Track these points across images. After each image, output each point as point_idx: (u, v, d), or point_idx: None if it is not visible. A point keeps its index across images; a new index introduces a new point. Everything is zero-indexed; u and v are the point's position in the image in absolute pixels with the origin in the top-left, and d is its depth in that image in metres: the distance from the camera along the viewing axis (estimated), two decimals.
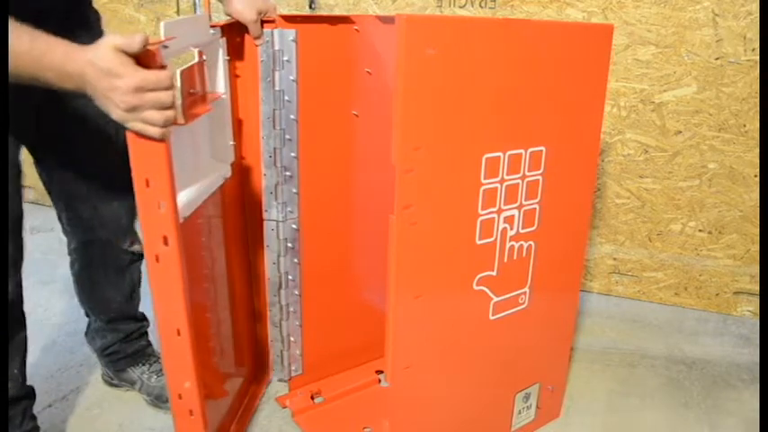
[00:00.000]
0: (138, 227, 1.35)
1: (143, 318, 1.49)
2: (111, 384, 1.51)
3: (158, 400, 1.43)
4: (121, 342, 1.45)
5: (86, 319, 1.47)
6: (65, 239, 1.36)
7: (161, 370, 1.45)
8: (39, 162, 1.23)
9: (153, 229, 0.89)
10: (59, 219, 1.33)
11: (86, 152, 1.21)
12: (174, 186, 0.87)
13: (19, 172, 1.11)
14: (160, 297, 0.94)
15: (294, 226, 1.34)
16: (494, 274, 1.11)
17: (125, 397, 1.49)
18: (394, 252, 0.96)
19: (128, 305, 1.43)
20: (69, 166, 1.23)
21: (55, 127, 1.17)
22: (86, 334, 1.48)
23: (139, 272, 1.43)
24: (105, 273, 1.37)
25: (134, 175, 0.86)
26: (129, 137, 0.83)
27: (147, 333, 1.50)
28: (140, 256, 1.39)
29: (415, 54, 0.87)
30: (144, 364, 1.47)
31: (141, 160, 0.85)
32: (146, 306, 1.51)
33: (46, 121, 1.16)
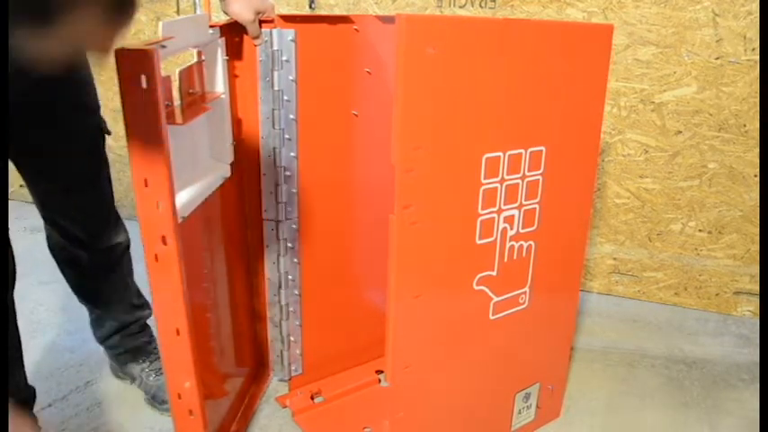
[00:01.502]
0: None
1: (142, 305, 1.48)
2: (118, 377, 1.53)
3: (154, 399, 1.43)
4: (122, 335, 1.45)
5: (86, 317, 1.47)
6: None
7: (161, 368, 1.44)
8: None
9: (151, 228, 0.89)
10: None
11: (54, 147, 1.19)
12: (173, 186, 0.87)
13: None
14: (159, 297, 0.94)
15: (294, 226, 1.34)
16: (494, 273, 1.11)
17: (125, 396, 1.49)
18: (394, 252, 0.96)
19: (120, 295, 1.43)
20: (41, 161, 1.21)
21: (27, 124, 1.13)
22: (90, 324, 1.48)
23: (129, 262, 1.42)
24: (91, 270, 1.36)
25: (133, 174, 0.86)
26: (129, 138, 0.83)
27: (149, 327, 1.50)
28: (126, 248, 1.39)
29: (415, 54, 0.87)
30: (144, 361, 1.47)
31: (140, 160, 0.85)
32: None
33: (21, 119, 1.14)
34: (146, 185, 0.86)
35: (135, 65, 0.79)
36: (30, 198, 1.27)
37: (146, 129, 0.82)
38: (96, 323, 1.46)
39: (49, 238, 1.34)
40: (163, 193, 0.86)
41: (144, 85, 0.79)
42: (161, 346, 0.97)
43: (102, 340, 1.47)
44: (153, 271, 0.91)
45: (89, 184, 1.27)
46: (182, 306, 0.93)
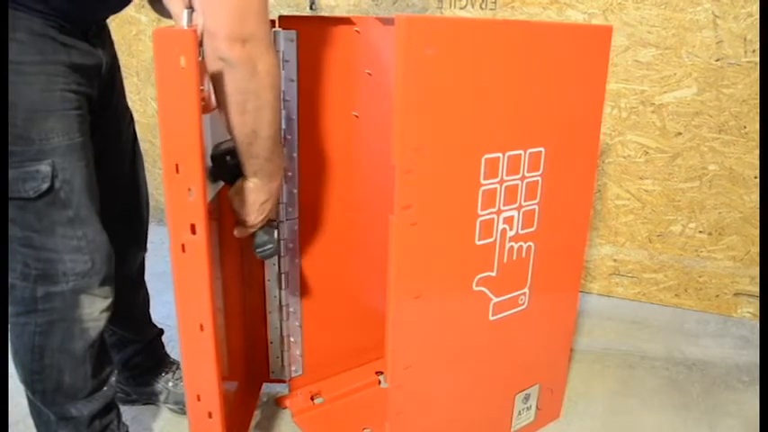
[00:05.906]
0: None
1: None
2: (128, 401, 1.44)
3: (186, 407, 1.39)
4: (144, 353, 1.40)
5: None
6: None
7: None
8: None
9: (180, 217, 0.86)
10: None
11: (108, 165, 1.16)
12: (205, 171, 0.84)
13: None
14: (184, 290, 0.90)
15: (294, 226, 1.34)
16: (493, 274, 1.11)
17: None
18: (394, 252, 0.96)
19: (145, 311, 1.40)
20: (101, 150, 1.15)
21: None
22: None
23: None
24: (123, 282, 1.29)
25: (163, 161, 0.83)
26: (162, 121, 0.81)
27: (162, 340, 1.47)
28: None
29: (415, 55, 0.87)
30: (167, 372, 1.43)
31: (171, 144, 0.82)
32: (153, 309, 1.48)
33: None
34: (177, 171, 0.83)
35: (173, 44, 0.78)
36: None
37: (181, 110, 0.80)
38: (117, 347, 1.38)
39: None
40: (195, 179, 0.83)
41: (183, 64, 0.77)
42: (181, 343, 0.93)
43: (123, 363, 1.39)
44: (178, 263, 0.88)
45: (135, 177, 1.23)
46: (207, 299, 0.89)
